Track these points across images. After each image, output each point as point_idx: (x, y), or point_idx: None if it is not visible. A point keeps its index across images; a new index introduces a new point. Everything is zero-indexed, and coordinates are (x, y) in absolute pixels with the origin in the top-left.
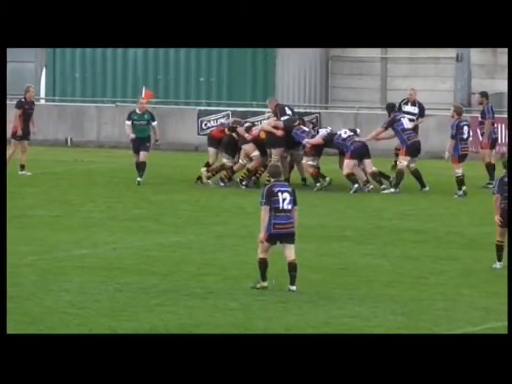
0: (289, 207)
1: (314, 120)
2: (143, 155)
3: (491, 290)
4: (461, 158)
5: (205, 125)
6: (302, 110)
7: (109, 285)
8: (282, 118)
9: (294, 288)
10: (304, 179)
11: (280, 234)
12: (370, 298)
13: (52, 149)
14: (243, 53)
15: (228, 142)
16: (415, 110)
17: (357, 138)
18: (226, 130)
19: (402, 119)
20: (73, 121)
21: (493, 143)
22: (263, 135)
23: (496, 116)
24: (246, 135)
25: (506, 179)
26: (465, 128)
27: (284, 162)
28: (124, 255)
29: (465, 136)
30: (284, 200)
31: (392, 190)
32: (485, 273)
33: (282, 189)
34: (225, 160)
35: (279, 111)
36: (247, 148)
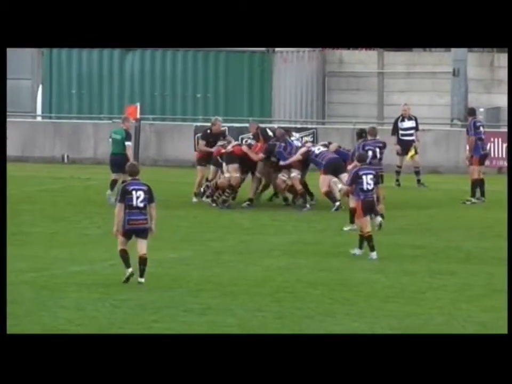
0: (142, 204)
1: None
2: None
3: (488, 305)
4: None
5: None
6: (298, 126)
7: (106, 302)
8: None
9: (142, 280)
10: (276, 196)
11: (134, 229)
12: (368, 313)
13: (48, 166)
14: (240, 68)
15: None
16: (413, 124)
17: (331, 149)
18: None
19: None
20: (70, 138)
21: (482, 159)
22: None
23: (493, 130)
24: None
25: (361, 172)
26: (377, 149)
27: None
28: (121, 271)
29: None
30: (137, 198)
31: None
32: (482, 287)
33: (137, 187)
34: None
35: (261, 134)
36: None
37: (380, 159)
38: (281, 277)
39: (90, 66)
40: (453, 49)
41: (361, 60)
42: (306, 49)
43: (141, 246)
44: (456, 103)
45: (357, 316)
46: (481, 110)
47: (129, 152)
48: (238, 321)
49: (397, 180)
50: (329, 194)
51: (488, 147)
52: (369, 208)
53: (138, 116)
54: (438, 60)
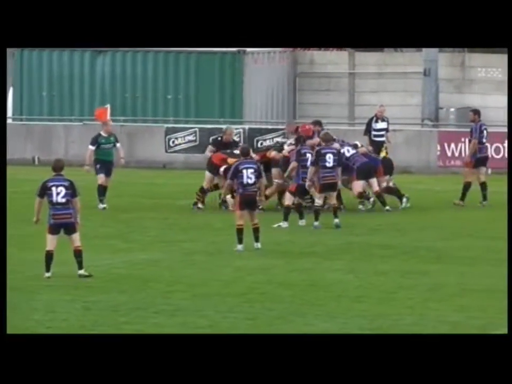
0: (64, 200)
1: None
2: (109, 180)
3: (459, 304)
4: (322, 187)
5: (173, 142)
6: (270, 127)
7: (77, 304)
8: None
9: (82, 272)
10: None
11: (60, 224)
12: (339, 314)
13: (19, 168)
14: (211, 69)
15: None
16: (386, 125)
17: (360, 151)
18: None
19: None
20: (41, 140)
21: (478, 162)
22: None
23: (464, 130)
24: (254, 155)
25: (241, 166)
26: (329, 155)
27: None
28: (92, 273)
29: (328, 164)
30: (58, 194)
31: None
32: (453, 287)
33: (57, 183)
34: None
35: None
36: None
37: (333, 166)
38: (252, 278)
39: (61, 68)
40: (424, 50)
41: (332, 61)
42: (277, 50)
43: (73, 240)
44: (427, 103)
45: (327, 316)
46: (452, 110)
47: (86, 155)
48: (209, 322)
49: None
50: (363, 195)
51: (484, 149)
52: (247, 203)
53: (108, 118)
54: (409, 60)
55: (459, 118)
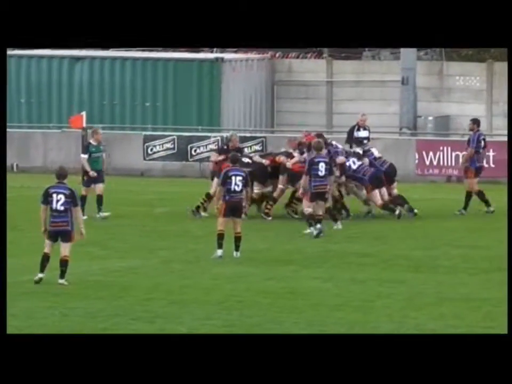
0: (62, 208)
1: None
2: (102, 187)
3: (437, 313)
4: (312, 196)
5: (151, 150)
6: (248, 135)
7: (56, 310)
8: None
9: (62, 281)
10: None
11: (56, 231)
12: (317, 322)
13: None
14: (189, 77)
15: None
16: (367, 134)
17: (366, 162)
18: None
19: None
20: (19, 147)
21: (477, 171)
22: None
23: (442, 138)
24: (264, 160)
25: (230, 173)
26: (321, 164)
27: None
28: (70, 280)
29: (320, 173)
30: (57, 201)
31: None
32: (431, 296)
33: (58, 190)
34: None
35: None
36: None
37: (325, 175)
38: (230, 286)
39: (39, 75)
40: (401, 58)
41: (310, 69)
42: (255, 57)
43: (62, 249)
44: (405, 112)
45: (305, 324)
46: (430, 118)
47: (83, 164)
48: (187, 329)
49: None
50: (388, 205)
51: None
52: (232, 209)
53: (84, 125)
54: (386, 69)
55: (437, 127)
